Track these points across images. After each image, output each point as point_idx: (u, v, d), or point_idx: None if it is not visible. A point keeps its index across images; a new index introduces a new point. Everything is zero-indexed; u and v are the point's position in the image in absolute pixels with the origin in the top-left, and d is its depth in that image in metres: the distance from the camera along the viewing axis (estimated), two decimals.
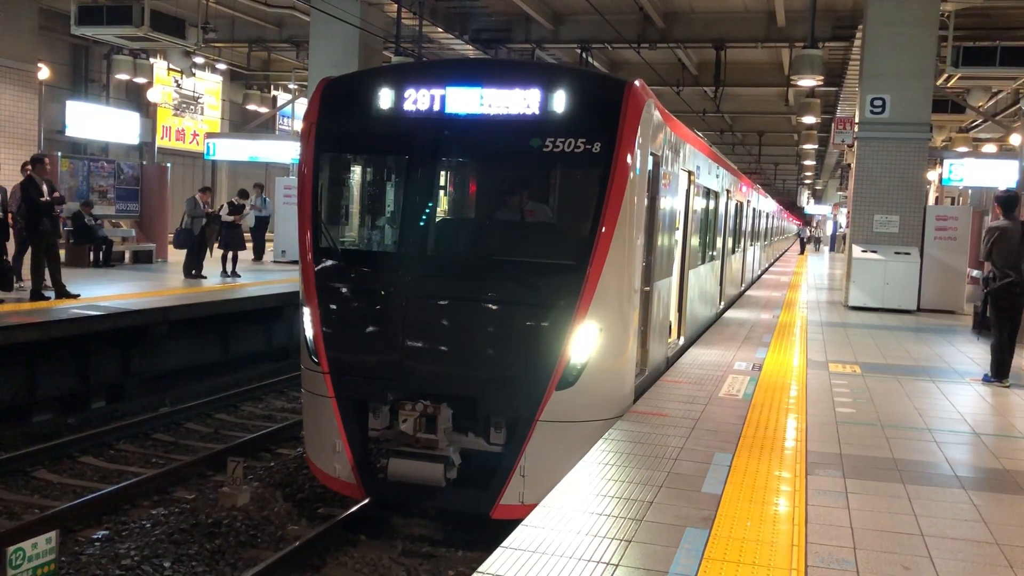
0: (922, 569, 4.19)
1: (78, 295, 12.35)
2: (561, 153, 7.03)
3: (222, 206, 17.06)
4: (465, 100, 7.25)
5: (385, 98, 7.47)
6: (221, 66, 29.00)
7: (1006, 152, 24.61)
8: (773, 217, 33.55)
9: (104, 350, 11.52)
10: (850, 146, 19.30)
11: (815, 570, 4.10)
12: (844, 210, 38.20)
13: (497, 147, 7.39)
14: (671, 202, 8.82)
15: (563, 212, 7.88)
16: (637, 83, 7.23)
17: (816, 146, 35.61)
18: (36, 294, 11.96)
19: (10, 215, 12.81)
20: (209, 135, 26.18)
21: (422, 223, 7.33)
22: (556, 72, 8.53)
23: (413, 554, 7.19)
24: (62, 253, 14.45)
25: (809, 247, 54.04)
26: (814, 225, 70.15)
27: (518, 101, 7.13)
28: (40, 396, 10.74)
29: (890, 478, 5.65)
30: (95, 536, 7.36)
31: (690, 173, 10.11)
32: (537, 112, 7.09)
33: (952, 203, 27.75)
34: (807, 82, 17.31)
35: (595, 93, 7.38)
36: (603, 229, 6.88)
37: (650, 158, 7.49)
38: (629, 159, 6.93)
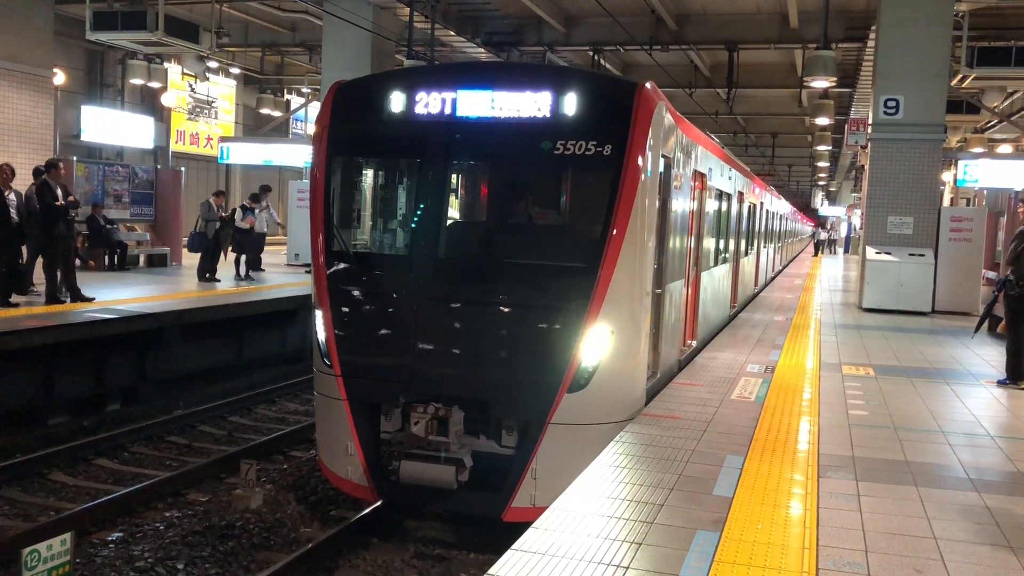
0: (934, 572, 4.17)
1: (93, 298, 12.44)
2: (572, 156, 7.04)
3: (234, 210, 17.16)
4: (476, 103, 7.27)
5: (396, 101, 7.49)
6: (235, 70, 29.13)
7: (1022, 153, 24.45)
8: (786, 219, 33.42)
9: (119, 353, 11.59)
10: (864, 147, 19.21)
11: (827, 573, 4.08)
12: (858, 211, 38.04)
13: (508, 150, 7.40)
14: (683, 204, 8.80)
15: (574, 215, 7.88)
16: (648, 85, 7.23)
17: (830, 147, 35.48)
18: (51, 297, 12.06)
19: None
20: (223, 139, 26.27)
21: (434, 226, 7.34)
22: (567, 75, 8.51)
23: (425, 556, 7.21)
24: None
25: (823, 250, 53.69)
26: (828, 227, 69.72)
27: (529, 104, 7.13)
28: (56, 399, 10.81)
29: (903, 481, 5.62)
30: (110, 538, 7.42)
31: (702, 175, 10.09)
32: (548, 115, 7.09)
33: (967, 204, 27.56)
34: (820, 83, 17.25)
35: (606, 96, 7.38)
36: (614, 232, 6.88)
37: (661, 160, 7.48)
38: (640, 161, 6.93)
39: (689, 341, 10.09)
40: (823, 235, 59.38)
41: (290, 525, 7.79)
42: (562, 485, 5.32)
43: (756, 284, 19.14)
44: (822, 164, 46.95)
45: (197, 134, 30.79)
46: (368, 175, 8.46)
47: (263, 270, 18.06)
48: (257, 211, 17.27)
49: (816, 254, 49.27)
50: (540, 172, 7.75)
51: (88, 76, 26.33)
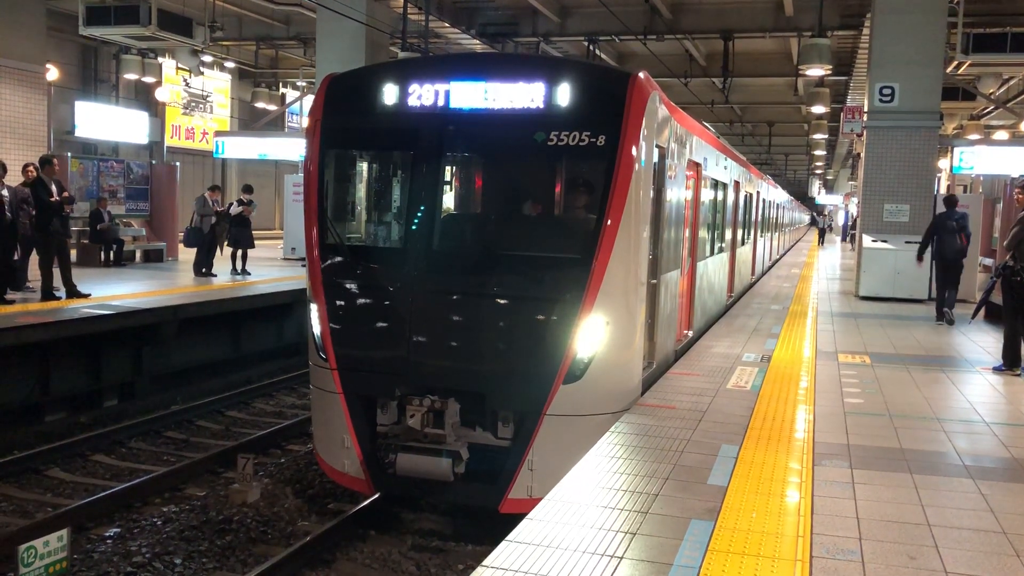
0: (928, 558, 4.18)
1: (89, 294, 12.42)
2: (566, 147, 7.02)
3: (230, 204, 17.13)
4: (469, 95, 7.25)
5: (389, 94, 7.47)
6: (229, 64, 29.06)
7: (1018, 139, 24.42)
8: (783, 208, 33.41)
9: (116, 349, 11.58)
10: (860, 135, 19.18)
11: (820, 560, 4.09)
12: (855, 200, 38.02)
13: (502, 141, 7.38)
14: (678, 194, 8.79)
15: (568, 206, 7.87)
16: (642, 75, 7.20)
17: (826, 136, 35.47)
18: (47, 294, 12.04)
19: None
20: (218, 133, 26.17)
21: (428, 218, 7.33)
22: (560, 65, 8.48)
23: (422, 548, 7.22)
24: (73, 253, 14.54)
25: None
26: (825, 214, 69.60)
27: (522, 95, 7.11)
28: (53, 395, 10.81)
29: (898, 468, 5.63)
30: (107, 534, 7.43)
31: (697, 165, 10.07)
32: (541, 106, 7.07)
33: (963, 191, 27.54)
34: (816, 71, 17.24)
35: (599, 86, 7.36)
36: (608, 222, 6.87)
37: (655, 150, 7.46)
38: (634, 151, 6.92)
39: (685, 331, 10.09)
40: (825, 222, 58.84)
41: (287, 519, 7.80)
42: (558, 476, 5.32)
43: (753, 273, 19.15)
44: (819, 152, 46.95)
45: (192, 129, 30.72)
46: (362, 168, 8.44)
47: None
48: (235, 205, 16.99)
49: (821, 242, 48.78)
50: (534, 163, 7.73)
51: (82, 71, 26.24)
